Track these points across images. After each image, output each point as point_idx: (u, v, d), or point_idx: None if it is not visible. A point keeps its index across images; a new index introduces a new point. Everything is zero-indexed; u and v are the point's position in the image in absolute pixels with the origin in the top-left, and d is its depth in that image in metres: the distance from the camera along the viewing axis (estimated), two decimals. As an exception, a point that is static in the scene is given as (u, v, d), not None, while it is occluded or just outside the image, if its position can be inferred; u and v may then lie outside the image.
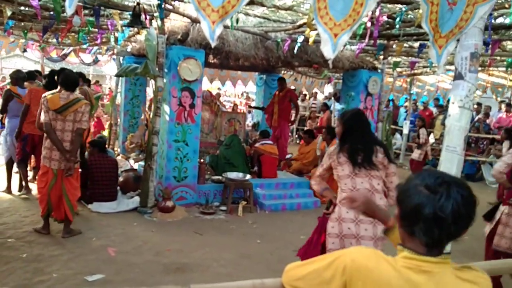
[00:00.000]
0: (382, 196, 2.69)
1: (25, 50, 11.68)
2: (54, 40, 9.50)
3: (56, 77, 4.91)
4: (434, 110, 12.44)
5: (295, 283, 1.34)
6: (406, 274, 1.10)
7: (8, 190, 5.75)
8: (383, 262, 1.14)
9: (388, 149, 2.74)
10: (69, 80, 4.21)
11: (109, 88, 14.49)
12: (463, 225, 1.12)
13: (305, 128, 11.04)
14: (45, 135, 4.13)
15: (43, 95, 4.14)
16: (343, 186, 2.73)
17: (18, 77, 5.80)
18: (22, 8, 6.23)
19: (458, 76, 1.95)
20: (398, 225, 1.23)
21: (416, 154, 8.09)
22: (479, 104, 11.36)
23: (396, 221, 1.26)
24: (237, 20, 5.59)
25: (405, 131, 10.86)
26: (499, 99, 11.58)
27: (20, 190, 5.75)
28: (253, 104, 12.43)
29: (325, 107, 11.84)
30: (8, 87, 6.12)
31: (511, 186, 3.55)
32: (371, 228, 2.61)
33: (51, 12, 5.71)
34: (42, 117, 4.07)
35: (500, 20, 5.70)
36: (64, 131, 4.09)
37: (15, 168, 5.83)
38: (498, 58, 7.65)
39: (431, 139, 10.09)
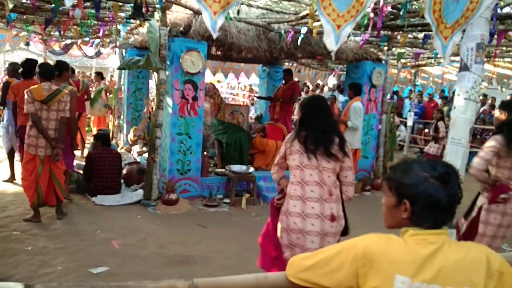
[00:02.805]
0: (333, 190, 2.54)
1: (28, 43, 11.65)
2: (57, 33, 9.49)
3: (29, 67, 5.26)
4: (439, 101, 12.35)
5: (300, 274, 1.33)
6: (416, 249, 1.17)
7: (12, 178, 6.03)
8: (395, 243, 1.20)
9: (345, 141, 2.57)
10: (47, 70, 4.50)
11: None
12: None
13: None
14: (29, 124, 4.35)
15: (27, 89, 4.32)
16: (292, 177, 2.59)
17: (14, 69, 6.01)
18: (24, 0, 6.21)
19: (463, 67, 1.91)
20: (404, 216, 1.25)
21: (433, 149, 7.61)
22: (484, 96, 11.26)
23: (397, 213, 1.27)
24: (238, 11, 5.54)
25: (409, 123, 10.79)
26: (504, 90, 11.48)
27: None
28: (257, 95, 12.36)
29: (334, 98, 11.64)
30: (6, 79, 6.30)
31: (495, 181, 3.27)
32: (318, 223, 2.47)
33: (53, 5, 5.68)
34: (27, 108, 4.27)
35: (506, 9, 5.61)
36: (49, 120, 4.35)
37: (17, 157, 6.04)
38: (504, 48, 7.56)
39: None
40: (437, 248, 1.17)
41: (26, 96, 4.25)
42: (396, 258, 1.17)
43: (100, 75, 9.99)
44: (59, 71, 4.94)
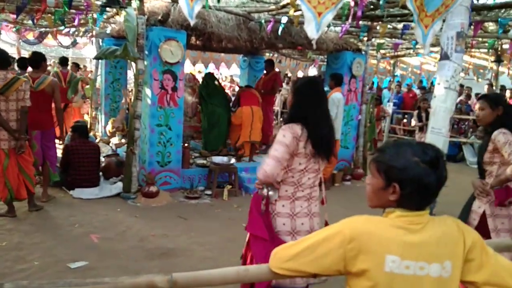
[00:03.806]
0: (316, 189, 2.36)
1: (-1, 32, 11.21)
2: (30, 22, 9.15)
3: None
4: (418, 92, 12.53)
5: (285, 265, 1.31)
6: (402, 229, 1.19)
7: None
8: (381, 224, 1.22)
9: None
10: (0, 58, 4.22)
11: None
12: None
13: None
14: None
15: None
16: (289, 178, 2.26)
17: None
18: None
19: (444, 56, 1.90)
20: (392, 198, 1.24)
21: (424, 138, 7.64)
22: (461, 86, 11.48)
23: (385, 195, 1.26)
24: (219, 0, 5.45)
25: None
26: (480, 80, 11.72)
27: None
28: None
29: None
30: None
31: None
32: (317, 221, 2.35)
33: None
34: None
35: (482, 0, 5.70)
36: (8, 111, 4.16)
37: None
38: (480, 39, 7.69)
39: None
40: (422, 228, 1.21)
41: None
42: (384, 239, 1.18)
43: (77, 66, 9.76)
44: (37, 62, 4.80)
